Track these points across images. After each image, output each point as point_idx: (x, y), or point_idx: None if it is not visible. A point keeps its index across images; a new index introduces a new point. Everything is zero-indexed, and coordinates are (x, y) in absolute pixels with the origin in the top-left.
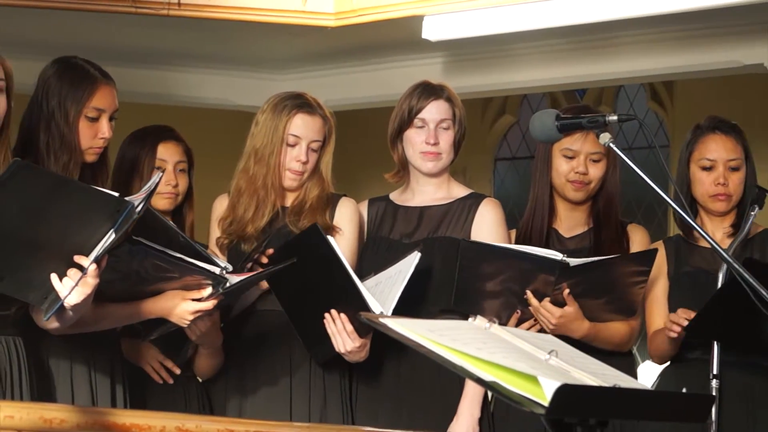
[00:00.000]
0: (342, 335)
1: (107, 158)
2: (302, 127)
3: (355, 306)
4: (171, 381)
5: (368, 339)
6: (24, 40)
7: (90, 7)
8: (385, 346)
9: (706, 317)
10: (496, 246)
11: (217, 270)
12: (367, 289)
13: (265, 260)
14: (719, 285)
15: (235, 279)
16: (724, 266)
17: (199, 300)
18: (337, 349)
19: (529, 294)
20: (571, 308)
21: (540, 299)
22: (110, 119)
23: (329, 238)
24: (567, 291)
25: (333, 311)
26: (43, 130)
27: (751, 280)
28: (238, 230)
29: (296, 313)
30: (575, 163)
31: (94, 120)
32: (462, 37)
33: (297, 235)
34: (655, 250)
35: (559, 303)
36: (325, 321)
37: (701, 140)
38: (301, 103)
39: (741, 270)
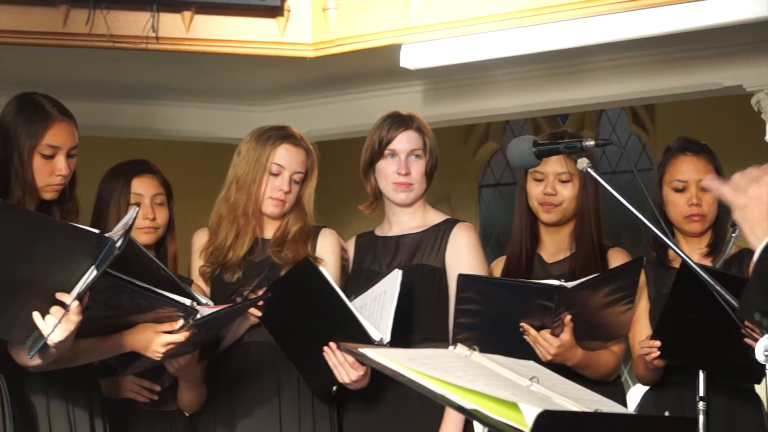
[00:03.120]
0: (344, 366)
1: (75, 195)
2: (286, 157)
3: (353, 335)
4: (155, 397)
5: (369, 366)
6: (3, 77)
7: (68, 43)
8: (372, 372)
9: (665, 325)
10: (493, 279)
11: (187, 301)
12: (355, 311)
13: (254, 297)
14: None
15: (206, 311)
16: None
17: (171, 332)
18: (340, 380)
19: (525, 326)
20: (567, 336)
21: (537, 331)
22: (69, 156)
23: (322, 269)
24: (569, 317)
25: (332, 344)
26: (0, 166)
27: (719, 289)
28: (220, 258)
29: (292, 348)
30: (544, 185)
31: (50, 157)
32: (441, 65)
33: (289, 270)
34: (641, 259)
35: (556, 334)
36: (324, 354)
37: (672, 162)
38: (285, 134)
39: (714, 283)
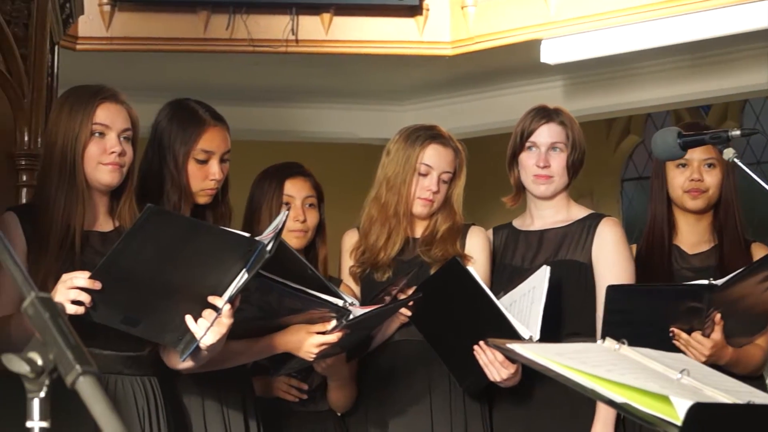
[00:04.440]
0: (494, 365)
1: (228, 199)
2: (435, 157)
3: (503, 334)
4: (305, 396)
5: (520, 364)
6: (146, 84)
7: (209, 48)
8: (523, 369)
9: None
10: (642, 287)
11: (340, 302)
12: (504, 309)
13: (403, 297)
14: None
15: (358, 311)
16: None
17: (323, 333)
18: (491, 378)
19: (676, 330)
20: (718, 336)
21: (688, 333)
22: (222, 160)
23: (470, 269)
24: (719, 315)
25: (482, 343)
26: (155, 172)
27: None
28: (371, 259)
29: (443, 347)
30: (689, 171)
31: (204, 162)
32: (581, 59)
33: (438, 270)
34: None
35: (706, 334)
36: (475, 353)
37: None
38: (434, 134)
39: None
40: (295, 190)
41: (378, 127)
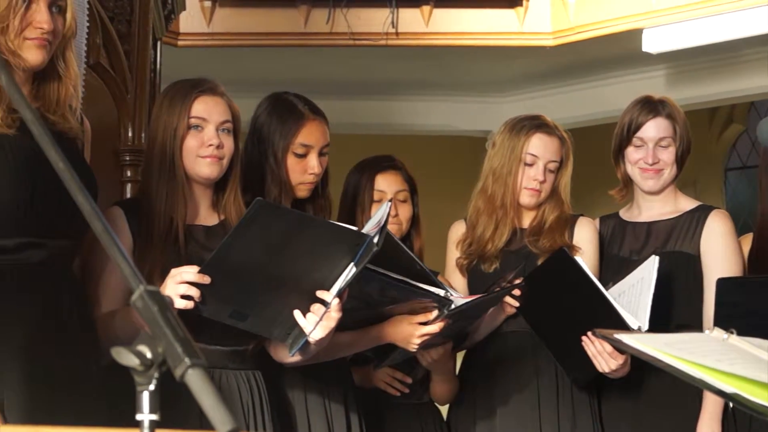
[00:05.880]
0: (603, 356)
1: (328, 192)
2: (540, 146)
3: (611, 324)
4: (407, 390)
5: (628, 355)
6: (247, 79)
7: (309, 42)
8: (632, 361)
9: None
10: (752, 278)
11: (441, 292)
12: (612, 300)
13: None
14: None
15: (460, 301)
16: None
17: (425, 324)
18: (600, 370)
19: None
20: None
21: None
22: (321, 154)
23: (578, 259)
24: None
25: (590, 333)
26: (254, 165)
27: None
28: (478, 250)
29: (550, 338)
30: None
31: (303, 156)
32: (683, 48)
33: (546, 260)
34: None
35: None
36: (583, 344)
37: None
38: (539, 123)
39: None
40: (386, 184)
41: (479, 119)
